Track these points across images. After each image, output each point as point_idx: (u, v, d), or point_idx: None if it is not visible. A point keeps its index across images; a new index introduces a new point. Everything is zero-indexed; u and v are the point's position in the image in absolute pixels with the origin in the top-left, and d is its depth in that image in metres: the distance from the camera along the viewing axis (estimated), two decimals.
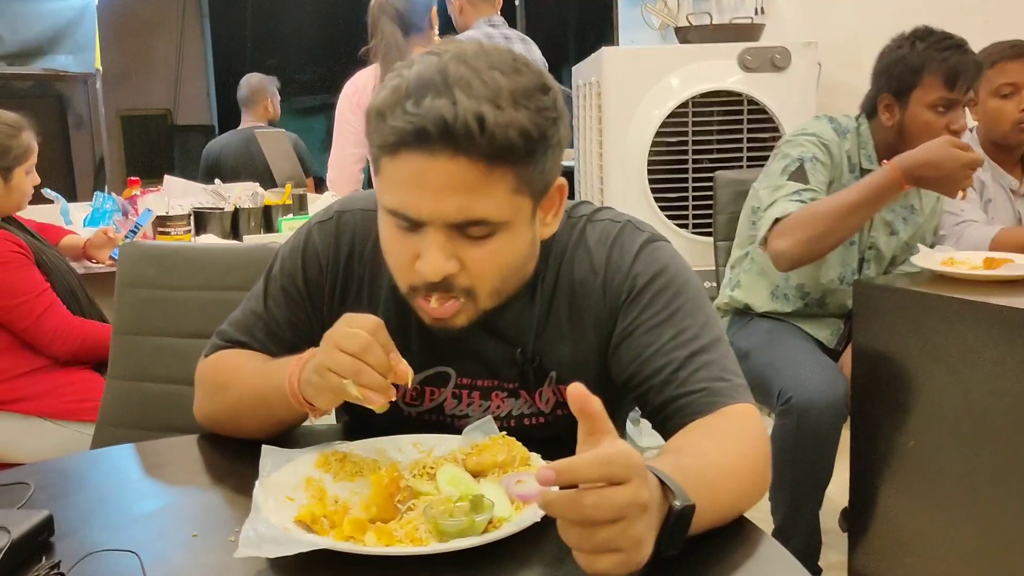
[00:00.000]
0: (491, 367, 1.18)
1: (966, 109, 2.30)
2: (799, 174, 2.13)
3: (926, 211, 2.33)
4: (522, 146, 0.95)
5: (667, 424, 1.08)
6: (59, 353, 2.34)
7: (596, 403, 0.78)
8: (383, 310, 1.18)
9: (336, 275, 1.20)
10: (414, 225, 1.00)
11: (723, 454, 0.96)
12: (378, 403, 1.00)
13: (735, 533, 0.93)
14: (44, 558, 0.88)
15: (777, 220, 2.08)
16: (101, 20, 5.74)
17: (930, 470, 1.92)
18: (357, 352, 0.98)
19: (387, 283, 1.17)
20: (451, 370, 1.19)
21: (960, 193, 2.00)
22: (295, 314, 1.22)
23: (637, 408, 1.17)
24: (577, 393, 0.78)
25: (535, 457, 1.04)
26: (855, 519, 2.15)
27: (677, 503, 0.79)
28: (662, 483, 0.81)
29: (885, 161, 2.04)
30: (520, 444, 1.05)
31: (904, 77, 2.13)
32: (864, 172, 2.21)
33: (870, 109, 2.24)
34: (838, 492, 2.26)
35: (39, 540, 0.93)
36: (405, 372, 1.01)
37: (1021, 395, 1.69)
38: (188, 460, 1.20)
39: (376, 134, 0.99)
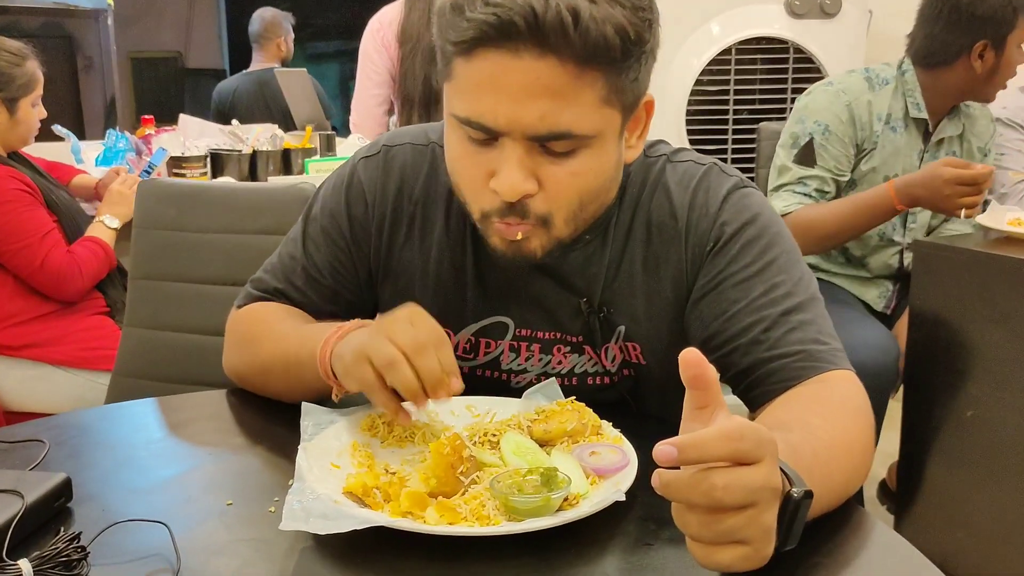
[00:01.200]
0: (554, 317, 1.06)
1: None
2: (807, 153, 2.10)
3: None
4: (618, 46, 0.84)
5: (754, 391, 0.97)
6: (69, 296, 2.23)
7: (712, 372, 0.67)
8: (436, 251, 1.08)
9: (384, 212, 1.09)
10: (489, 138, 0.89)
11: (834, 431, 0.84)
12: (398, 419, 0.91)
13: (844, 519, 0.83)
14: (62, 528, 0.78)
15: None
16: None
17: (988, 442, 1.83)
18: (406, 349, 0.86)
19: (440, 222, 1.07)
20: (509, 320, 1.08)
21: (963, 212, 1.92)
22: (337, 257, 1.11)
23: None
24: (692, 358, 0.66)
25: (606, 425, 0.93)
26: (903, 491, 2.06)
27: (796, 491, 0.67)
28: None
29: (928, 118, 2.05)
30: (591, 411, 0.94)
31: (1003, 23, 2.05)
32: (907, 122, 2.15)
33: (944, 57, 2.11)
34: (877, 462, 2.16)
35: (55, 506, 0.83)
36: (458, 389, 0.90)
37: None
38: (217, 418, 1.10)
39: (451, 30, 0.86)
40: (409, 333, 0.88)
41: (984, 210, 2.06)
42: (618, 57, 0.85)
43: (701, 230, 1.02)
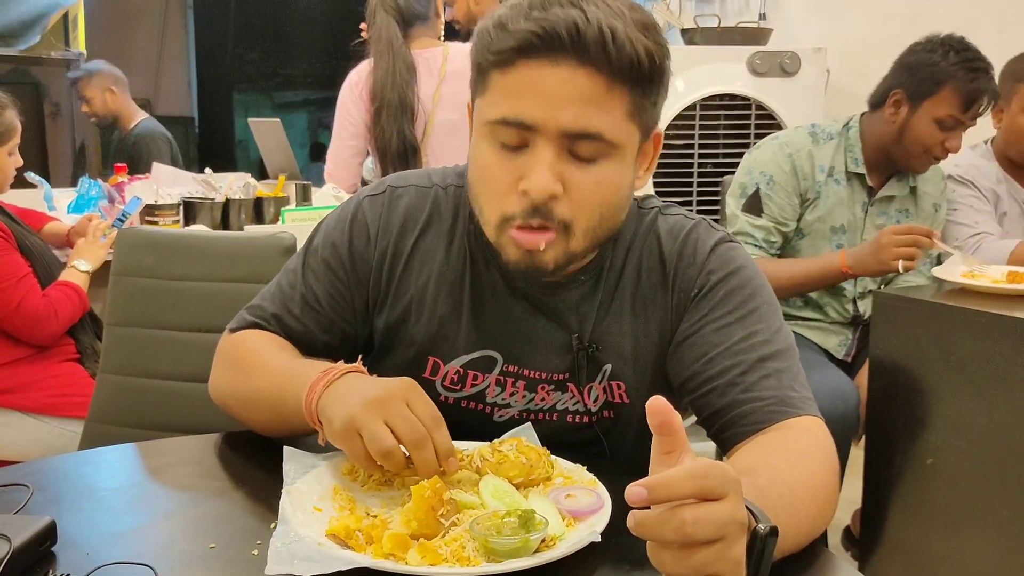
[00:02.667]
0: (542, 354, 1.11)
1: (989, 118, 2.27)
2: (754, 202, 2.19)
3: (921, 217, 2.30)
4: (646, 66, 0.95)
5: (726, 432, 1.01)
6: (43, 339, 2.23)
7: (678, 419, 0.71)
8: (434, 283, 1.12)
9: (386, 247, 1.13)
10: (521, 141, 0.96)
11: (799, 474, 0.88)
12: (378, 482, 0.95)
13: (812, 560, 0.86)
14: (50, 572, 0.79)
15: None
16: (84, 8, 5.62)
17: (948, 490, 1.87)
18: (406, 441, 0.89)
19: (441, 255, 1.12)
20: (498, 355, 1.11)
21: (901, 264, 1.98)
22: (336, 287, 1.14)
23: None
24: (659, 406, 0.70)
25: (580, 469, 0.96)
26: (866, 538, 2.09)
27: (762, 527, 0.71)
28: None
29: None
30: (547, 459, 0.96)
31: (925, 82, 2.12)
32: (849, 176, 2.24)
33: (879, 99, 2.22)
34: (840, 508, 2.19)
35: (41, 549, 0.84)
36: (454, 469, 0.93)
37: None
38: (197, 462, 1.11)
39: (493, 43, 0.96)
40: (407, 421, 0.90)
41: (940, 262, 2.14)
42: (645, 76, 0.95)
43: (688, 277, 1.08)
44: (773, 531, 0.71)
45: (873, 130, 2.23)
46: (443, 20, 2.75)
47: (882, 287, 2.30)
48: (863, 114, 2.29)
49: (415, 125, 2.58)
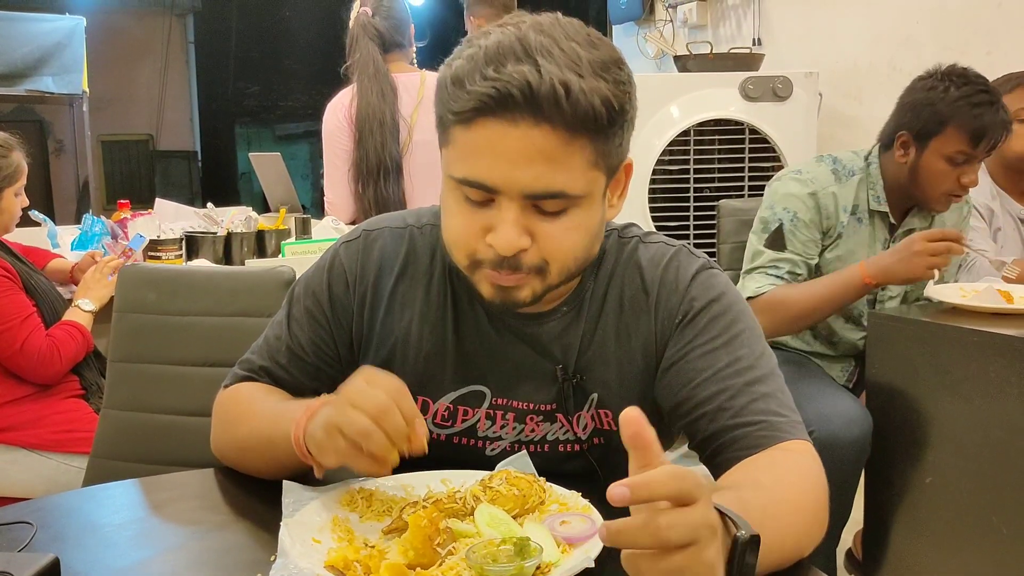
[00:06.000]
0: (529, 386, 1.12)
1: None
2: (777, 238, 2.15)
3: None
4: (604, 115, 0.93)
5: (719, 456, 1.03)
6: (47, 378, 2.25)
7: (651, 431, 0.72)
8: (417, 324, 1.14)
9: (365, 291, 1.15)
10: (486, 198, 0.97)
11: (783, 490, 0.90)
12: (377, 474, 0.94)
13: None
14: None
15: (750, 297, 2.11)
16: (87, 44, 5.68)
17: (947, 508, 1.87)
18: (373, 413, 0.91)
19: (421, 296, 1.14)
20: (486, 389, 1.13)
21: (935, 273, 1.95)
22: (319, 335, 1.17)
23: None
24: (631, 417, 0.71)
25: (574, 495, 0.98)
26: (868, 559, 2.10)
27: (742, 533, 0.73)
28: (722, 515, 0.75)
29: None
30: (541, 488, 0.98)
31: (929, 122, 2.06)
32: (872, 215, 2.19)
33: (888, 140, 2.18)
34: (846, 529, 2.20)
35: None
36: (422, 442, 0.94)
37: None
38: (199, 497, 1.13)
39: (452, 101, 0.95)
40: (371, 397, 0.92)
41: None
42: (604, 125, 0.94)
43: (671, 305, 1.09)
44: (754, 536, 0.73)
45: (888, 170, 2.19)
46: (415, 48, 2.87)
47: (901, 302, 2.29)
48: (880, 146, 2.23)
49: (399, 143, 2.69)
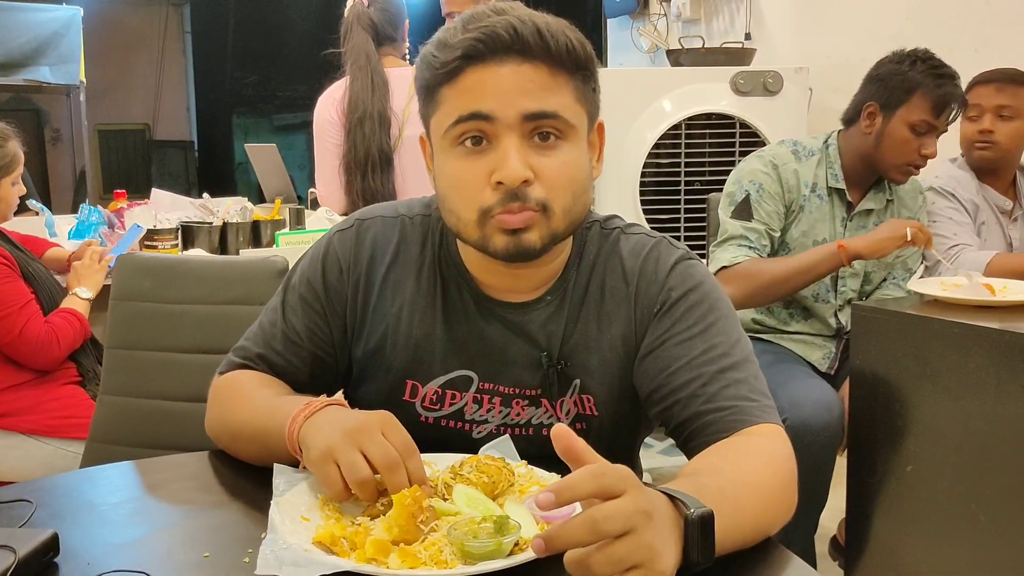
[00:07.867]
0: (515, 372, 1.16)
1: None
2: (744, 208, 2.26)
3: None
4: (580, 54, 1.04)
5: (692, 442, 1.06)
6: (45, 364, 2.28)
7: (581, 443, 0.78)
8: (407, 310, 1.17)
9: (358, 278, 1.19)
10: (484, 134, 1.03)
11: (743, 472, 0.94)
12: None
13: (763, 556, 0.91)
14: None
15: (724, 267, 2.20)
16: (84, 34, 5.70)
17: (928, 497, 1.91)
18: (381, 465, 0.93)
19: (411, 284, 1.17)
20: (474, 374, 1.17)
21: (908, 231, 2.08)
22: (314, 321, 1.20)
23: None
24: (560, 433, 0.77)
25: (553, 476, 1.01)
26: (851, 546, 2.14)
27: (691, 512, 0.78)
28: (672, 499, 0.80)
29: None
30: (511, 471, 1.01)
31: (896, 91, 2.20)
32: (830, 191, 2.31)
33: (853, 115, 2.30)
34: (828, 518, 2.25)
35: (44, 560, 0.89)
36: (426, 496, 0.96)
37: (1022, 421, 1.69)
38: (193, 478, 1.16)
39: (438, 58, 1.03)
40: (382, 448, 0.94)
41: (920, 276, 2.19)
42: (582, 63, 1.05)
43: (650, 294, 1.13)
44: (706, 512, 0.78)
45: (850, 145, 2.31)
46: (408, 44, 2.88)
47: (863, 299, 2.36)
48: (839, 131, 2.36)
49: (390, 137, 2.69)
